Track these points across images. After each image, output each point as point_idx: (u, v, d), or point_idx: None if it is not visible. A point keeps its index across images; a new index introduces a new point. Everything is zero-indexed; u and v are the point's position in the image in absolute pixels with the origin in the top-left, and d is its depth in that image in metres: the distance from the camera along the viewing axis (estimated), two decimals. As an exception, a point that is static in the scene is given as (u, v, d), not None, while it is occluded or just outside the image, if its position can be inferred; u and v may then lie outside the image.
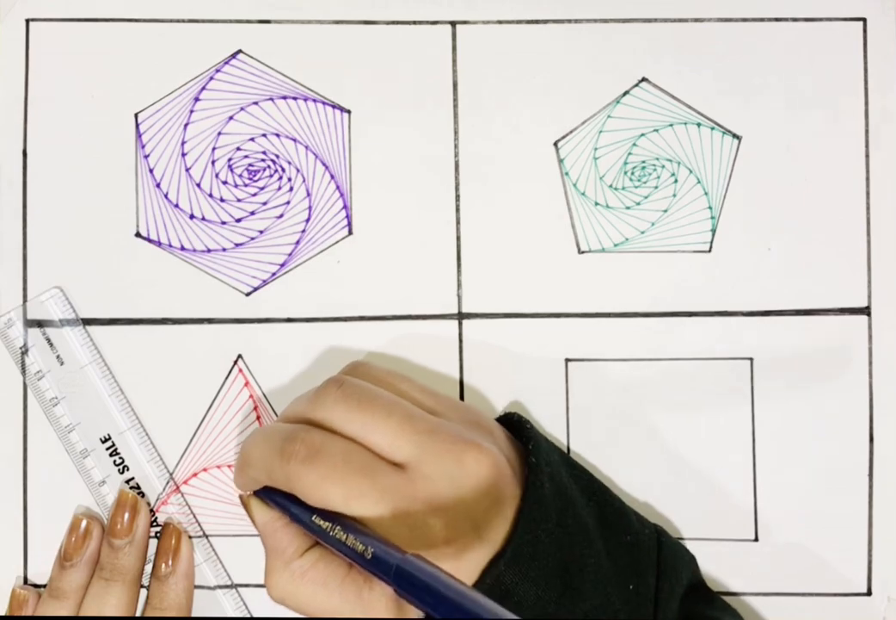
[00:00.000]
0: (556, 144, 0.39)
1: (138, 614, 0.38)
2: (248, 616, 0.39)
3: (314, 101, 0.39)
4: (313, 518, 0.32)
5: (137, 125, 0.39)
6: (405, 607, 0.32)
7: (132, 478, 0.39)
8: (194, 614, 0.39)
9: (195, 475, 0.39)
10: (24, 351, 0.39)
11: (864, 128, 0.39)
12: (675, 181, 0.39)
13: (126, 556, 0.38)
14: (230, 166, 0.39)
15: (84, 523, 0.38)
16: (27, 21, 0.39)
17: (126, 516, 0.38)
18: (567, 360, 0.39)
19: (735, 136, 0.39)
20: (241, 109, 0.39)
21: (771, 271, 0.39)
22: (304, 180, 0.39)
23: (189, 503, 0.39)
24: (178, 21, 0.39)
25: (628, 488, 0.39)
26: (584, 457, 0.39)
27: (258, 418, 0.39)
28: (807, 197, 0.39)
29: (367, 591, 0.32)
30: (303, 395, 0.35)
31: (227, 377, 0.39)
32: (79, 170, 0.39)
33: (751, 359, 0.39)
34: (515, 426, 0.36)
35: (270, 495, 0.34)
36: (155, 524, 0.39)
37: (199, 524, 0.39)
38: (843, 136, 0.39)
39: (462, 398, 0.39)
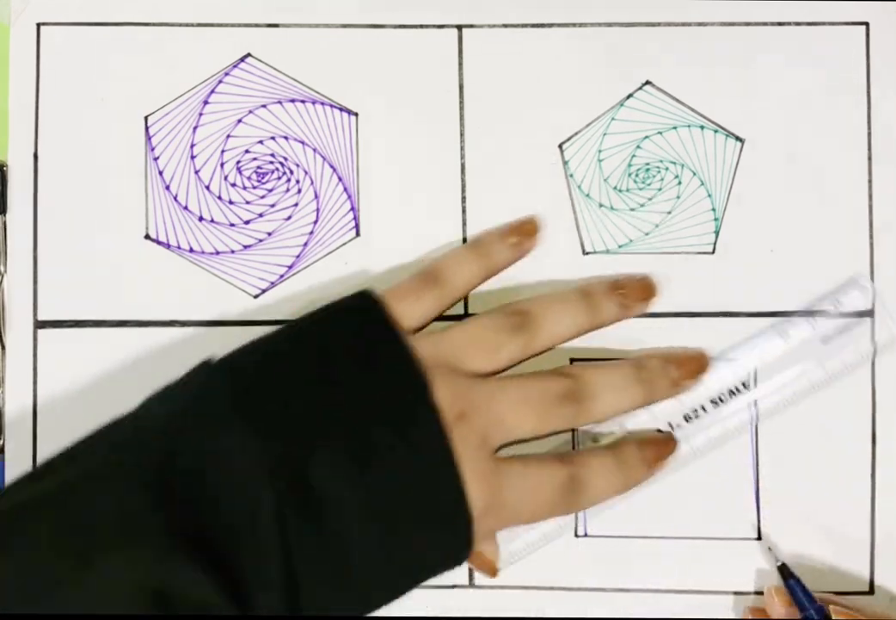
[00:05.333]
0: (560, 146, 0.40)
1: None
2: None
3: (322, 104, 0.40)
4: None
5: (147, 128, 0.40)
6: None
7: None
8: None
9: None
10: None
11: (866, 131, 0.39)
12: (679, 183, 0.40)
13: None
14: (239, 169, 0.40)
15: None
16: (38, 25, 0.40)
17: None
18: (571, 360, 0.39)
19: (738, 138, 0.40)
20: (250, 112, 0.40)
21: (774, 273, 0.39)
22: (311, 183, 0.40)
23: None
24: (187, 25, 0.40)
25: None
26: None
27: (265, 419, 0.40)
28: (810, 199, 0.39)
29: None
30: None
31: (234, 378, 0.40)
32: (89, 172, 0.39)
33: (754, 359, 0.39)
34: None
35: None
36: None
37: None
38: (845, 138, 0.39)
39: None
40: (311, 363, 0.33)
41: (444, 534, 0.32)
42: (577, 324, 0.37)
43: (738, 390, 0.39)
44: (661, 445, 0.37)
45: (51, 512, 0.30)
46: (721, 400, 0.39)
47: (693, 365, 0.38)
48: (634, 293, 0.38)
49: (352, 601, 0.32)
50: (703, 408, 0.39)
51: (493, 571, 0.37)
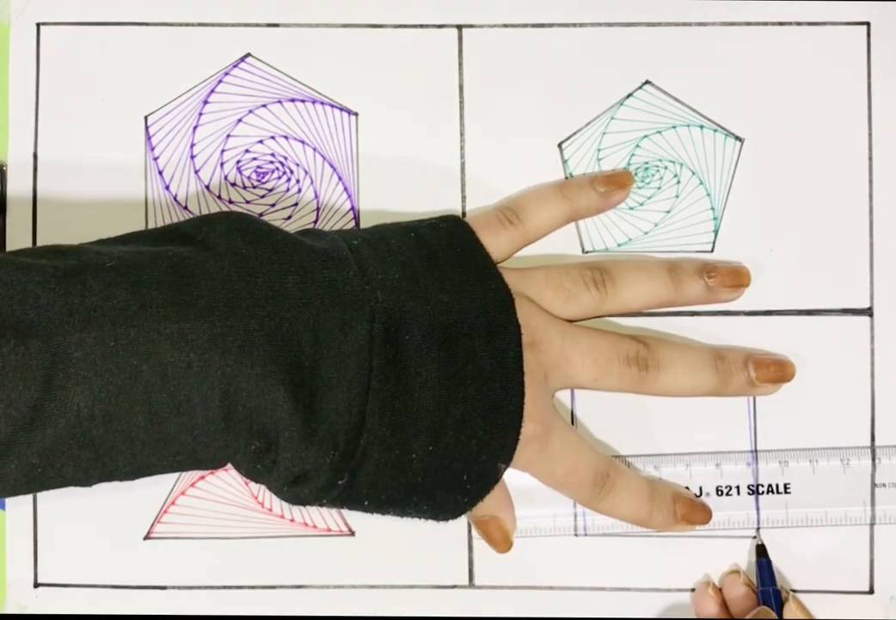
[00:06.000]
0: (560, 145, 0.40)
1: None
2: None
3: (322, 103, 0.40)
4: None
5: (147, 128, 0.40)
6: None
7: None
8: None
9: (202, 477, 0.39)
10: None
11: (867, 130, 0.39)
12: (678, 182, 0.40)
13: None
14: (239, 169, 0.40)
15: None
16: (38, 25, 0.40)
17: None
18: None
19: (738, 138, 0.40)
20: (250, 111, 0.40)
21: (773, 272, 0.39)
22: (311, 182, 0.40)
23: (196, 507, 0.40)
24: (187, 25, 0.40)
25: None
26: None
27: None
28: (809, 198, 0.39)
29: None
30: None
31: (234, 378, 0.40)
32: (89, 172, 0.39)
33: (753, 359, 0.39)
34: None
35: None
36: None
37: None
38: (845, 138, 0.39)
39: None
40: (420, 253, 0.34)
41: (494, 438, 0.33)
42: (655, 295, 0.37)
43: (777, 489, 0.39)
44: (696, 510, 0.37)
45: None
46: (758, 490, 0.39)
47: (775, 370, 0.37)
48: (724, 278, 0.37)
49: (398, 477, 0.33)
50: (738, 489, 0.39)
51: (507, 542, 0.37)
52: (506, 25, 0.40)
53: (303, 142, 0.40)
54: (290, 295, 0.31)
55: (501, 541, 0.37)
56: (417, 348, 0.32)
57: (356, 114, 0.40)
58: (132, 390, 0.30)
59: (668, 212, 0.40)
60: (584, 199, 0.38)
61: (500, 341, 0.33)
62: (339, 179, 0.40)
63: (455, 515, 0.35)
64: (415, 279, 0.33)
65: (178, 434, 0.30)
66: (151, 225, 0.40)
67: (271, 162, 0.40)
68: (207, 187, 0.40)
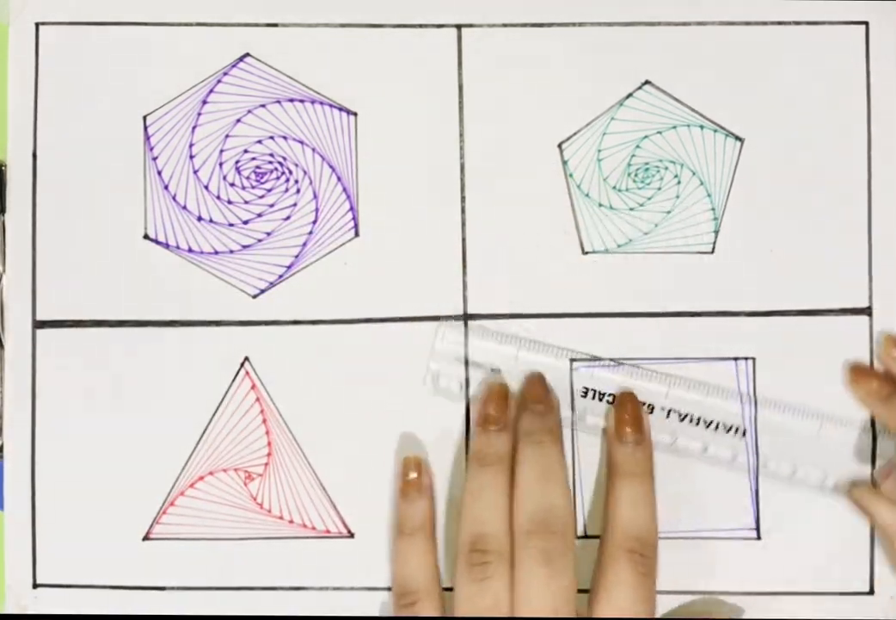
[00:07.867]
0: (560, 145, 0.40)
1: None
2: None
3: (321, 103, 0.40)
4: None
5: (146, 128, 0.40)
6: None
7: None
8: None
9: (201, 478, 0.39)
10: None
11: (866, 130, 0.39)
12: (679, 183, 0.40)
13: (550, 420, 0.38)
14: (238, 169, 0.40)
15: (498, 387, 0.38)
16: (37, 25, 0.40)
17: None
18: (571, 360, 0.39)
19: (737, 138, 0.40)
20: (249, 111, 0.40)
21: (773, 272, 0.39)
22: (310, 182, 0.40)
23: (195, 507, 0.39)
24: (186, 24, 0.40)
25: (633, 487, 0.39)
26: (589, 457, 0.39)
27: (265, 420, 0.40)
28: (809, 199, 0.39)
29: None
30: None
31: (233, 380, 0.40)
32: (87, 172, 0.39)
33: (753, 359, 0.39)
34: None
35: None
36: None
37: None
38: (845, 138, 0.39)
39: (467, 400, 0.39)
40: None
41: None
42: None
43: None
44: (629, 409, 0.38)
45: None
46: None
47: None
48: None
49: None
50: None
51: None
52: (505, 25, 0.40)
53: (302, 142, 0.40)
54: None
55: None
56: None
57: (355, 114, 0.40)
58: None
59: (669, 212, 0.40)
60: (421, 516, 0.38)
61: None
62: (339, 179, 0.40)
63: None
64: None
65: None
66: (150, 225, 0.40)
67: (270, 162, 0.40)
68: (206, 187, 0.40)
